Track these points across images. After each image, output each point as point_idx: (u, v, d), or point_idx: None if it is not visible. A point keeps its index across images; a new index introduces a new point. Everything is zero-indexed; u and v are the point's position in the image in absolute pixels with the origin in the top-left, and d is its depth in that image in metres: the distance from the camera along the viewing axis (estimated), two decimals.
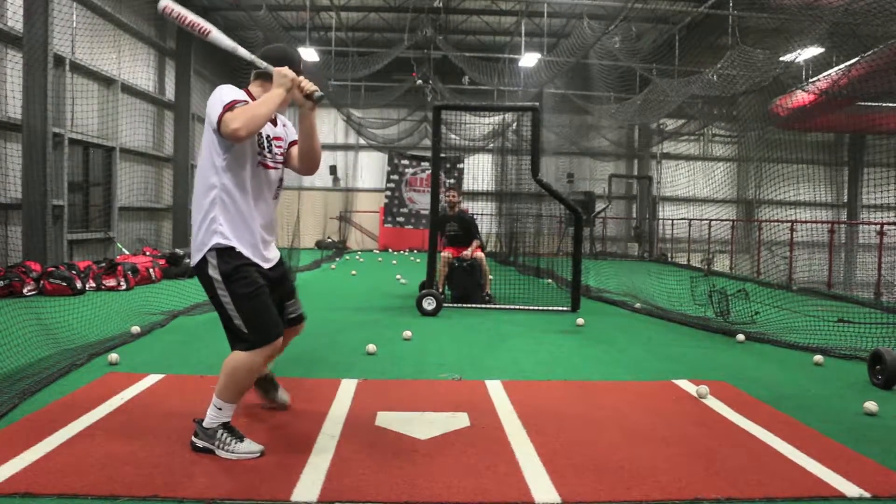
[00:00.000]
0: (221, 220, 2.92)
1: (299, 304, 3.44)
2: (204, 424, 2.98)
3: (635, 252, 19.74)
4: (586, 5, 13.98)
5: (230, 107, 2.82)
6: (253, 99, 3.04)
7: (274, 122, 3.19)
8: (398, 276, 11.47)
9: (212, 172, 2.93)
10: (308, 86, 2.95)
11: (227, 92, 2.91)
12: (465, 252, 8.41)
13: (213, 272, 2.91)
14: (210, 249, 2.92)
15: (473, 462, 2.95)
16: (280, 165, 3.18)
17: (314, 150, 3.13)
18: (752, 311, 7.17)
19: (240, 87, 3.06)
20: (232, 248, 2.94)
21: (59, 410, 3.51)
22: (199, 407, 3.57)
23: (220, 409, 2.97)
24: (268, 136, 3.10)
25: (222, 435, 2.94)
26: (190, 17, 2.98)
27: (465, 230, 8.69)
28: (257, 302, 2.93)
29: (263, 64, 3.01)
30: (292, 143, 3.23)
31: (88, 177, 12.25)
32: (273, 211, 3.18)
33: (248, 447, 2.93)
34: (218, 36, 3.01)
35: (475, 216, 11.47)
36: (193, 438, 3.00)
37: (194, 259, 2.98)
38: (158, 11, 2.97)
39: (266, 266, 3.09)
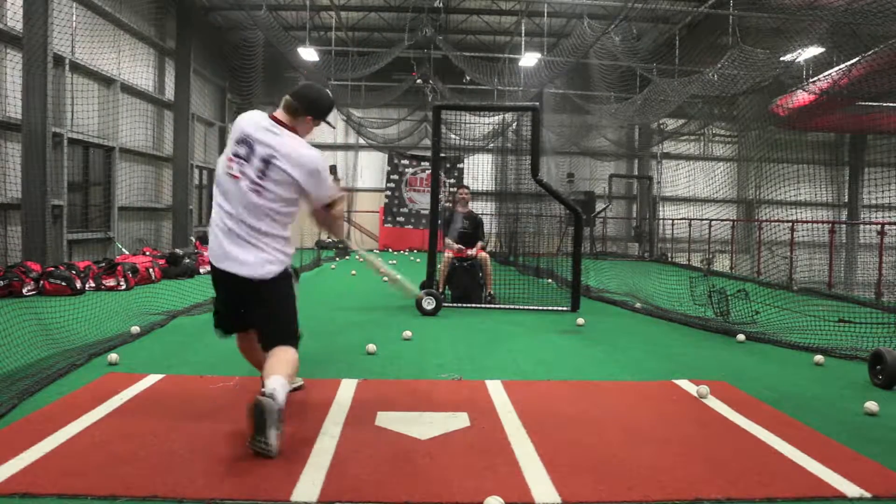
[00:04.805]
0: (290, 246, 3.46)
1: None
2: (281, 400, 2.97)
3: (635, 252, 19.74)
4: (586, 5, 13.97)
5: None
6: (280, 124, 3.35)
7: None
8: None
9: (291, 209, 3.39)
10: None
11: (328, 175, 3.43)
12: (469, 251, 8.43)
13: (294, 280, 3.54)
14: (286, 265, 3.46)
15: (473, 462, 2.95)
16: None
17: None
18: (752, 310, 7.17)
19: (252, 105, 3.31)
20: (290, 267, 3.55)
21: (59, 410, 3.51)
22: (199, 407, 3.59)
23: (286, 386, 3.09)
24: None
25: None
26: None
27: (474, 230, 8.70)
28: None
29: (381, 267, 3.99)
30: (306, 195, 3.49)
31: (88, 176, 12.24)
32: None
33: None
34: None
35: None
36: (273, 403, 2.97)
37: (271, 271, 3.31)
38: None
39: None
